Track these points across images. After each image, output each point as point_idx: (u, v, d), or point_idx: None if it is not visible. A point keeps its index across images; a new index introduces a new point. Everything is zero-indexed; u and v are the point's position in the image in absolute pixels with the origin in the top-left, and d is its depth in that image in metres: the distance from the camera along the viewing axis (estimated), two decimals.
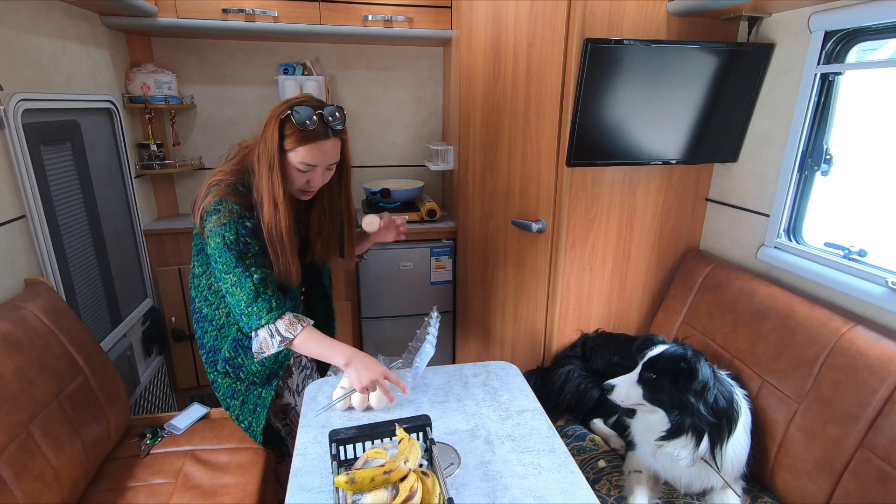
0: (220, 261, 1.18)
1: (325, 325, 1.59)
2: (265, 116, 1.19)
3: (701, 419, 1.27)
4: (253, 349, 1.21)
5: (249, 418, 1.41)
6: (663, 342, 1.44)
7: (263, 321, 1.17)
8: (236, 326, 1.34)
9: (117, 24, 1.93)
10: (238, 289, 1.17)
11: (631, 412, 1.46)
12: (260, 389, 1.40)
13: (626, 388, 1.37)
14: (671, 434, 1.30)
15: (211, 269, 1.31)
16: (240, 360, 1.36)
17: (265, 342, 1.19)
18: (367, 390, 1.20)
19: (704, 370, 1.30)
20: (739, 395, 1.40)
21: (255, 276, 1.18)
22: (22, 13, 1.44)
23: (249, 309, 1.17)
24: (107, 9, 1.79)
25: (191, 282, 1.40)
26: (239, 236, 1.18)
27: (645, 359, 1.38)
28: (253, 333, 1.20)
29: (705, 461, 1.31)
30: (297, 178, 1.22)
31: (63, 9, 1.65)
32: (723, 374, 1.41)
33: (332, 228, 1.39)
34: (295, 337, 1.19)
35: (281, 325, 1.19)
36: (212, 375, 1.41)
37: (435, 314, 1.39)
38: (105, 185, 1.79)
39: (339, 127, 1.19)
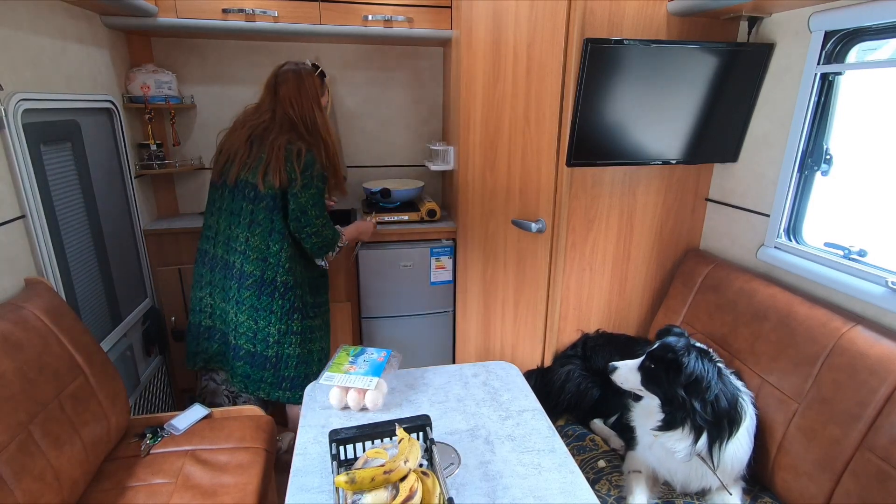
0: (314, 208, 1.59)
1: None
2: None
3: (696, 416, 1.27)
4: (327, 259, 1.77)
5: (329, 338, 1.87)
6: (679, 333, 1.43)
7: (338, 246, 1.74)
8: (300, 265, 1.69)
9: (117, 24, 1.93)
10: (328, 229, 1.67)
11: (637, 397, 1.47)
12: (327, 304, 1.87)
13: (626, 372, 1.40)
14: (665, 425, 1.31)
15: (286, 240, 1.62)
16: (311, 296, 1.75)
17: (331, 256, 1.77)
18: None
19: (693, 365, 1.29)
20: (746, 398, 1.39)
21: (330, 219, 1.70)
22: (22, 13, 1.44)
23: (332, 241, 1.70)
24: (107, 9, 1.79)
25: (270, 262, 1.62)
26: (322, 189, 1.64)
27: (653, 347, 1.38)
28: (331, 254, 1.74)
29: (702, 458, 1.31)
30: None
31: (63, 9, 1.65)
32: (730, 375, 1.41)
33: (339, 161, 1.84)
34: (345, 241, 1.79)
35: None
36: (307, 324, 1.72)
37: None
38: (105, 185, 1.79)
39: None
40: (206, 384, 1.89)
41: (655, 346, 1.39)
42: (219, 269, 1.69)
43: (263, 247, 1.61)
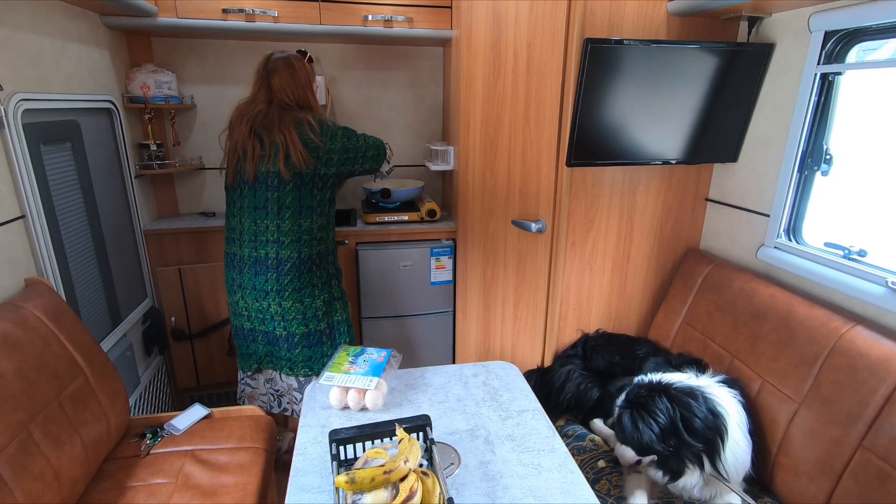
0: (351, 140, 1.64)
1: None
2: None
3: (691, 449, 1.28)
4: (390, 159, 1.82)
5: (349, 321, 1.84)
6: (621, 388, 1.46)
7: (386, 146, 1.79)
8: (327, 232, 1.71)
9: (117, 24, 1.93)
10: (368, 139, 1.70)
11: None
12: (342, 285, 1.83)
13: (624, 452, 1.38)
14: (672, 476, 1.32)
15: (314, 212, 1.64)
16: (337, 264, 1.79)
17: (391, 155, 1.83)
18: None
19: (654, 424, 1.30)
20: (725, 400, 1.36)
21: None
22: (22, 13, 1.44)
23: (379, 142, 1.75)
24: (107, 9, 1.79)
25: (304, 240, 1.63)
26: (345, 127, 1.68)
27: (621, 423, 1.39)
28: (389, 153, 1.81)
29: (713, 476, 1.31)
30: None
31: (63, 9, 1.65)
32: (701, 385, 1.38)
33: None
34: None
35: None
36: (342, 288, 1.79)
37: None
38: (105, 185, 1.79)
39: None
40: (244, 388, 1.87)
41: (621, 419, 1.38)
42: (248, 268, 1.64)
43: (296, 228, 1.61)
